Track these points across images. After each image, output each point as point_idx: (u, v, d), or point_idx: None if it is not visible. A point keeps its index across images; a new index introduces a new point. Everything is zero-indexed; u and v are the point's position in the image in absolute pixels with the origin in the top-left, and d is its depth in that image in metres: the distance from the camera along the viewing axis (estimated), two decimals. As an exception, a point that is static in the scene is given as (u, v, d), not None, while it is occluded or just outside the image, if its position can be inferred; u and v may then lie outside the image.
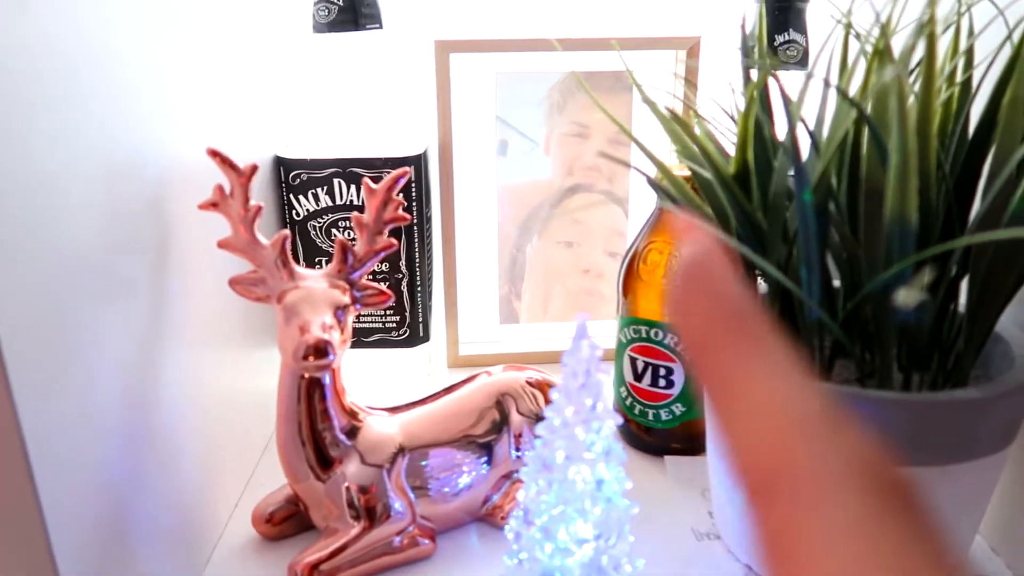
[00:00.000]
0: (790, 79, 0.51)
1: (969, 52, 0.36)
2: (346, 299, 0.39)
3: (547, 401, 0.44)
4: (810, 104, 0.37)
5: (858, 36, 0.37)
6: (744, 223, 0.36)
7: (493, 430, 0.43)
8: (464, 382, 0.45)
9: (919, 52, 0.31)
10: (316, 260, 0.55)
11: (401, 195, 0.41)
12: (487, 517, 0.44)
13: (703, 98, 0.59)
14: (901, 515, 0.13)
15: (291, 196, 0.54)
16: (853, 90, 0.36)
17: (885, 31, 0.32)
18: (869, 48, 0.34)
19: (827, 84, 0.35)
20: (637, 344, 0.49)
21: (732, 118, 0.40)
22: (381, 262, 0.53)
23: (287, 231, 0.39)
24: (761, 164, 0.37)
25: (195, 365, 0.41)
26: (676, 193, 0.39)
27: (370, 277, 0.41)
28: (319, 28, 0.52)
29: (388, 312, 0.56)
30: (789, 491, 0.14)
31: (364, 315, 0.56)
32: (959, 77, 0.36)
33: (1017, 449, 0.36)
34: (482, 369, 0.46)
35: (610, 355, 0.52)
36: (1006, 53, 0.33)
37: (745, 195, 0.36)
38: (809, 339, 0.36)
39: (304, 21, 0.53)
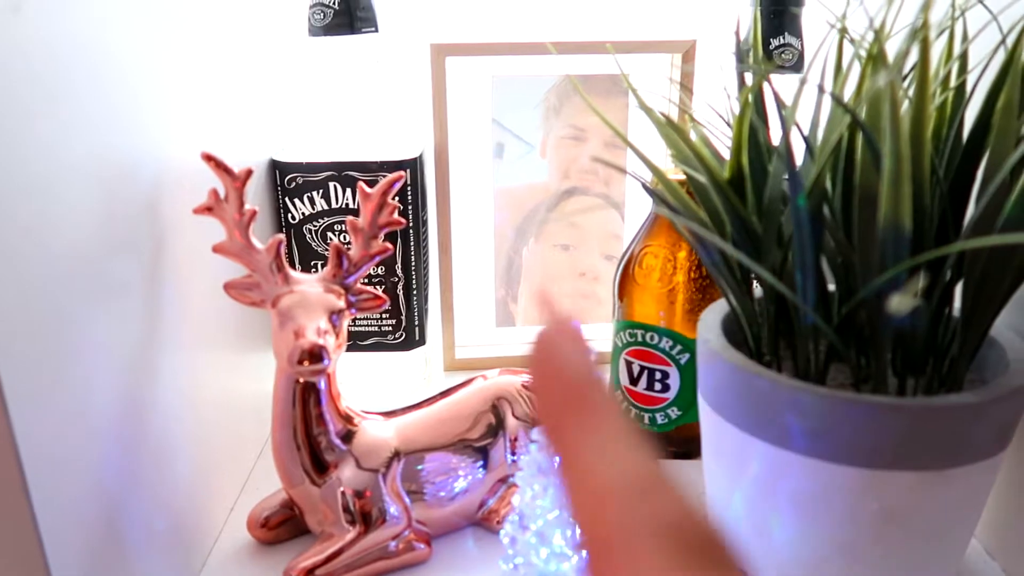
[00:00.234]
0: (785, 83, 0.51)
1: (963, 57, 0.36)
2: (341, 303, 0.39)
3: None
4: (804, 109, 0.37)
5: (852, 41, 0.37)
6: (739, 228, 0.36)
7: (489, 434, 0.43)
8: (460, 386, 0.45)
9: (913, 57, 0.31)
10: (311, 264, 0.55)
11: (397, 199, 0.41)
12: (483, 521, 0.44)
13: (698, 102, 0.59)
14: (713, 570, 0.15)
15: (286, 200, 0.54)
16: (847, 95, 0.36)
17: (879, 36, 0.32)
18: (863, 53, 0.34)
19: (821, 90, 0.35)
20: (633, 348, 0.49)
21: (727, 122, 0.40)
22: (377, 265, 0.54)
23: (282, 235, 0.39)
24: (756, 169, 0.37)
25: (190, 369, 0.41)
26: (671, 198, 0.39)
27: (366, 281, 0.41)
28: (315, 32, 0.52)
29: (384, 316, 0.56)
30: (616, 553, 0.15)
31: (360, 319, 0.56)
32: (953, 82, 0.36)
33: (1012, 453, 0.36)
34: (478, 373, 0.46)
35: (606, 359, 0.52)
36: (1000, 58, 0.33)
37: (740, 200, 0.36)
38: (804, 343, 0.36)
39: (300, 25, 0.53)
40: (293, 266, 0.40)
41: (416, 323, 0.57)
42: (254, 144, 0.52)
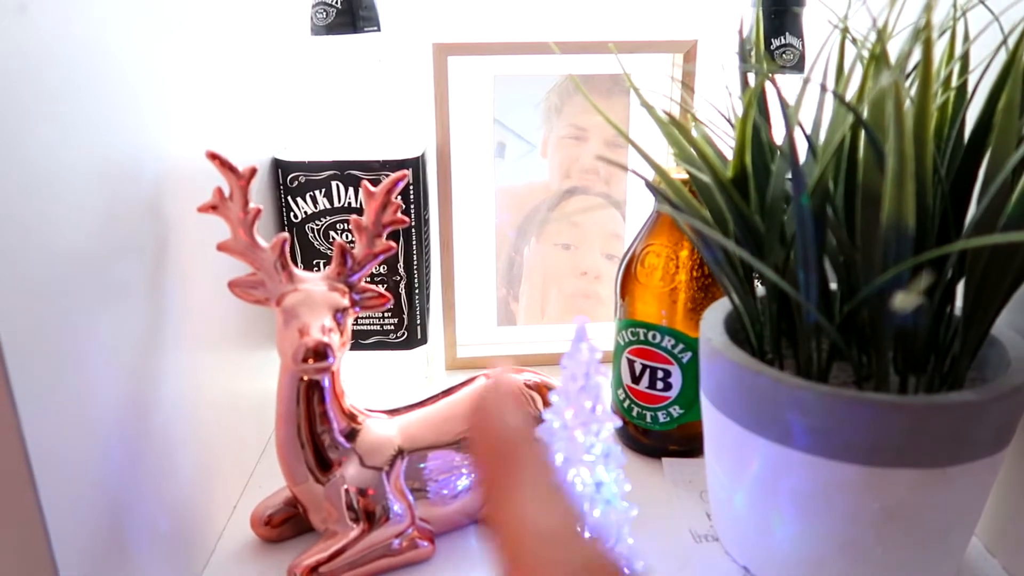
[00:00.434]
0: (786, 83, 0.51)
1: (964, 57, 0.36)
2: (345, 302, 0.39)
3: (545, 404, 0.44)
4: (807, 108, 0.37)
5: (854, 41, 0.37)
6: (742, 226, 0.37)
7: (491, 432, 0.43)
8: (463, 384, 0.46)
9: (915, 57, 0.31)
10: (314, 263, 0.56)
11: (399, 198, 0.41)
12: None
13: (700, 101, 0.60)
14: None
15: (289, 198, 0.54)
16: (850, 95, 0.36)
17: (881, 36, 0.33)
18: (865, 53, 0.35)
19: (823, 89, 0.36)
20: (635, 346, 0.49)
21: (729, 121, 0.41)
22: (379, 264, 0.54)
23: (286, 234, 0.39)
24: (759, 168, 0.37)
25: (194, 367, 0.41)
26: (674, 196, 0.39)
27: (368, 280, 0.41)
28: (317, 31, 0.52)
29: (386, 314, 0.56)
30: None
31: (362, 317, 0.56)
32: (955, 82, 0.36)
33: (1013, 451, 0.36)
34: (480, 372, 0.46)
35: (608, 357, 0.52)
36: (1001, 58, 0.33)
37: (743, 199, 0.37)
38: (806, 342, 0.36)
39: (302, 24, 0.53)
40: (296, 265, 0.40)
41: (418, 322, 0.57)
42: (256, 143, 0.52)
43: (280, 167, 0.53)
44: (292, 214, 0.54)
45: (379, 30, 0.53)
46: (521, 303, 0.66)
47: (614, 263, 0.64)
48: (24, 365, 0.26)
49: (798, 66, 0.52)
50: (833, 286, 0.37)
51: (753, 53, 0.41)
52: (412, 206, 0.54)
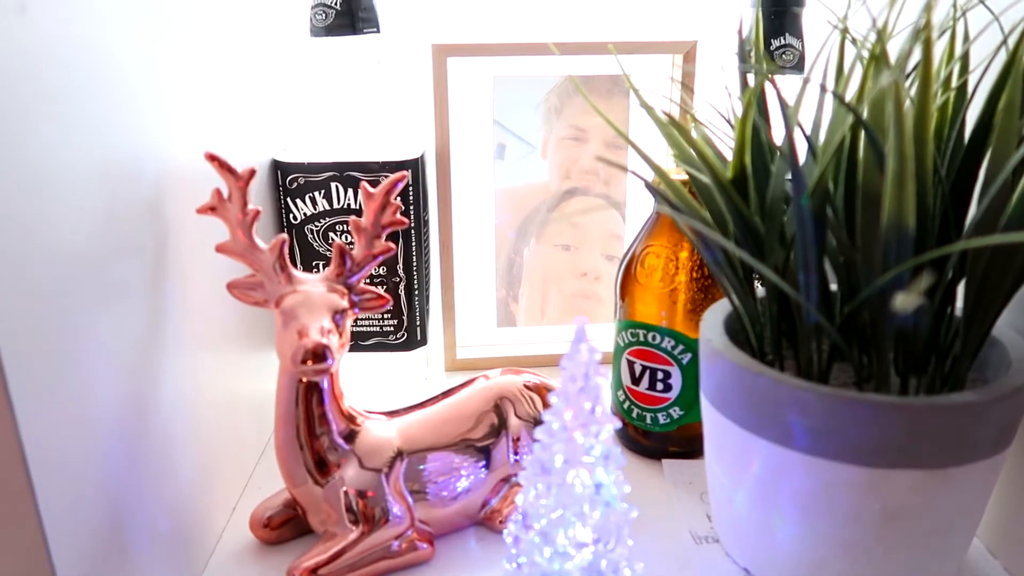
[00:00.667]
0: (786, 84, 0.51)
1: (964, 57, 0.36)
2: (344, 303, 0.39)
3: (545, 405, 0.44)
4: (807, 109, 0.37)
5: (854, 41, 0.37)
6: (742, 227, 0.36)
7: (491, 434, 0.43)
8: (462, 386, 0.45)
9: (915, 57, 0.31)
10: (313, 264, 0.55)
11: (399, 199, 0.41)
12: (485, 521, 0.44)
13: (699, 102, 0.60)
14: None
15: (288, 200, 0.54)
16: (849, 95, 0.36)
17: (881, 36, 0.32)
18: (865, 53, 0.35)
19: (823, 89, 0.36)
20: (635, 348, 0.49)
21: (729, 122, 0.40)
22: (379, 266, 0.54)
23: (285, 235, 0.39)
24: (758, 169, 0.37)
25: (192, 369, 0.41)
26: (673, 197, 0.39)
27: (367, 281, 0.41)
28: (316, 32, 0.52)
29: (385, 316, 0.56)
30: None
31: (361, 319, 0.56)
32: (955, 82, 0.36)
33: (1014, 452, 0.36)
34: (480, 373, 0.46)
35: (607, 359, 0.52)
36: (1001, 58, 0.33)
37: (743, 200, 0.36)
38: (807, 343, 0.36)
39: (301, 25, 0.53)
40: (295, 266, 0.40)
41: (417, 323, 0.57)
42: (256, 144, 0.52)
43: (279, 168, 0.53)
44: (291, 215, 0.54)
45: (378, 31, 0.53)
46: (521, 304, 0.66)
47: (614, 264, 0.64)
48: (22, 365, 0.26)
49: (798, 67, 0.51)
50: (833, 287, 0.37)
51: (753, 54, 0.41)
52: (411, 207, 0.54)
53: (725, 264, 0.38)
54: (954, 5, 0.36)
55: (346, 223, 0.54)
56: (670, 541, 0.44)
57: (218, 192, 0.38)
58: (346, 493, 0.40)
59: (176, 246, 0.38)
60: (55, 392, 0.28)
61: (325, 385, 0.40)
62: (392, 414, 0.44)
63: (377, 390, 0.58)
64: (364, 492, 0.40)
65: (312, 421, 0.40)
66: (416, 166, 0.53)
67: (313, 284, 0.39)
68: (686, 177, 0.43)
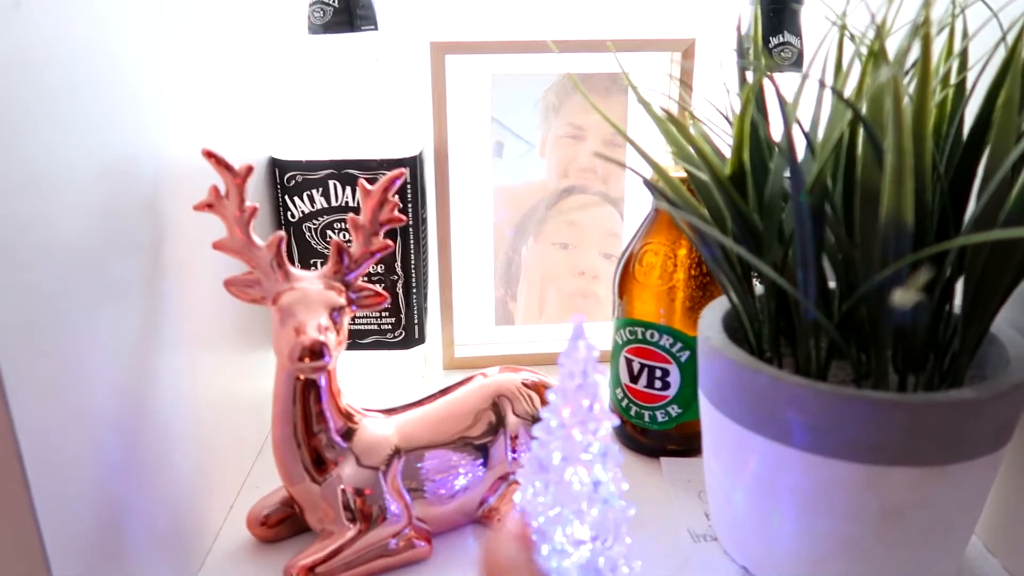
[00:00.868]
0: (785, 81, 0.51)
1: (963, 54, 0.36)
2: (342, 300, 0.39)
3: (543, 403, 0.44)
4: (805, 106, 0.37)
5: (852, 38, 0.37)
6: (740, 224, 0.36)
7: (489, 432, 0.43)
8: (460, 384, 0.45)
9: (913, 54, 0.31)
10: (311, 262, 0.55)
11: (397, 196, 0.41)
12: (483, 519, 0.44)
13: (697, 100, 0.60)
14: None
15: (286, 198, 0.54)
16: (848, 92, 0.36)
17: (881, 32, 0.32)
18: (864, 50, 0.34)
19: (822, 85, 0.35)
20: (633, 345, 0.49)
21: (727, 119, 0.40)
22: (376, 264, 0.53)
23: (283, 232, 0.39)
24: (757, 166, 0.37)
25: (190, 367, 0.41)
26: (672, 194, 0.39)
27: (365, 279, 0.41)
28: (314, 29, 0.52)
29: (383, 314, 0.56)
30: None
31: (359, 317, 0.56)
32: (953, 79, 0.36)
33: (1012, 449, 0.36)
34: (478, 371, 0.46)
35: (606, 357, 0.52)
36: (1000, 55, 0.33)
37: (741, 197, 0.36)
38: (805, 340, 0.36)
39: (300, 22, 0.52)
40: (292, 264, 0.40)
41: (415, 321, 0.57)
42: (253, 142, 0.52)
43: (277, 166, 0.53)
44: (289, 213, 0.54)
45: (376, 29, 0.53)
46: (519, 302, 0.65)
47: (612, 262, 0.64)
48: (19, 362, 0.26)
49: (796, 64, 0.51)
50: (831, 284, 0.37)
51: (751, 51, 0.41)
52: (410, 205, 0.54)
53: (723, 261, 0.38)
54: (952, 2, 0.36)
55: (344, 221, 0.54)
56: (668, 539, 0.44)
57: (215, 189, 0.38)
58: (343, 491, 0.40)
59: (173, 243, 0.38)
60: (52, 389, 0.28)
61: (323, 383, 0.39)
62: (390, 412, 0.44)
63: (375, 388, 0.58)
64: (362, 490, 0.40)
65: (309, 419, 0.39)
66: (414, 164, 0.53)
67: (310, 281, 0.39)
68: (684, 175, 0.43)
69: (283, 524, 0.43)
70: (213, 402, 0.44)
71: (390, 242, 0.41)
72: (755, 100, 0.37)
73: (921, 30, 0.28)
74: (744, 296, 0.38)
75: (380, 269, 0.55)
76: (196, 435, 0.41)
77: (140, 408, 0.35)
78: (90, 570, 0.30)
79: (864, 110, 0.33)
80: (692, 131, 0.39)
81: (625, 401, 0.51)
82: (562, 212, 0.63)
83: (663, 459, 0.51)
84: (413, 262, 0.55)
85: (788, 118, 0.32)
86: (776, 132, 0.37)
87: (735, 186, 0.36)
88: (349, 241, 0.40)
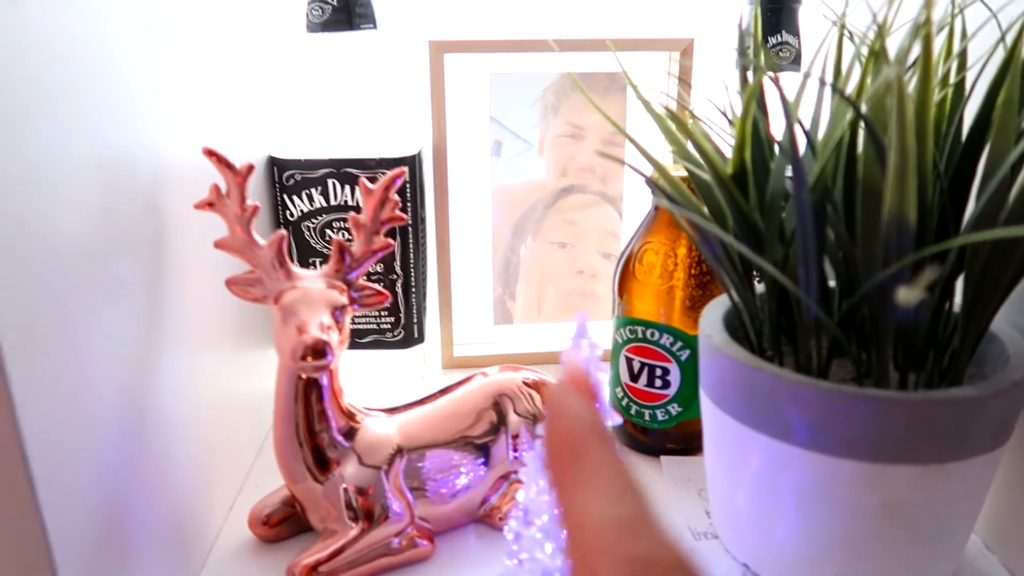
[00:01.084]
0: (784, 80, 0.51)
1: (963, 54, 0.36)
2: (344, 299, 0.39)
3: (544, 401, 0.44)
4: (805, 105, 0.37)
5: (852, 37, 0.37)
6: (741, 223, 0.36)
7: (491, 431, 0.43)
8: (461, 383, 0.45)
9: (914, 53, 0.31)
10: (310, 261, 0.55)
11: (397, 195, 0.41)
12: (485, 518, 0.44)
13: (697, 99, 0.60)
14: None
15: (285, 197, 0.54)
16: (847, 91, 0.36)
17: (882, 32, 0.33)
18: (864, 50, 0.35)
19: (823, 83, 0.36)
20: (633, 344, 0.49)
21: (727, 117, 0.41)
22: (376, 263, 0.53)
23: (284, 231, 0.39)
24: (758, 164, 0.37)
25: (191, 366, 0.40)
26: (672, 193, 0.39)
27: (365, 278, 0.41)
28: (313, 28, 0.51)
29: (383, 313, 0.56)
30: None
31: (359, 316, 0.56)
32: (953, 79, 0.36)
33: (1012, 447, 0.36)
34: (477, 370, 0.46)
35: (606, 356, 0.52)
36: (999, 55, 0.33)
37: (743, 195, 0.36)
38: (806, 339, 0.36)
39: (298, 21, 0.52)
40: (292, 263, 0.40)
41: (415, 321, 0.57)
42: (252, 141, 0.52)
43: (276, 165, 0.53)
44: (288, 212, 0.54)
45: (375, 27, 0.53)
46: (518, 302, 0.66)
47: (611, 261, 0.64)
48: (22, 361, 0.26)
49: (795, 63, 0.52)
50: (831, 283, 0.37)
51: (751, 49, 0.41)
52: (408, 205, 0.54)
53: (725, 259, 0.38)
54: (952, 2, 0.36)
55: (343, 220, 0.54)
56: (669, 537, 0.44)
57: (216, 188, 0.37)
58: (346, 490, 0.40)
59: (174, 242, 0.38)
60: (54, 388, 0.28)
61: (324, 382, 0.39)
62: (392, 411, 0.44)
63: (374, 387, 0.58)
64: (364, 489, 0.40)
65: (311, 418, 0.39)
66: (413, 163, 0.53)
67: (312, 280, 0.39)
68: (684, 174, 0.43)
69: (285, 523, 0.43)
70: (213, 401, 0.44)
71: (391, 241, 0.41)
72: (756, 99, 0.37)
73: (922, 30, 0.28)
74: (745, 294, 0.39)
75: (379, 268, 0.55)
76: (196, 434, 0.41)
77: (141, 407, 0.35)
78: (94, 569, 0.30)
79: (864, 109, 0.33)
80: (692, 130, 0.39)
81: (625, 400, 0.51)
82: (561, 211, 0.63)
83: (663, 458, 0.51)
84: (412, 261, 0.55)
85: (791, 117, 0.32)
86: (776, 131, 0.37)
87: (737, 185, 0.36)
88: (350, 240, 0.40)
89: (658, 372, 0.49)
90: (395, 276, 0.55)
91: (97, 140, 0.32)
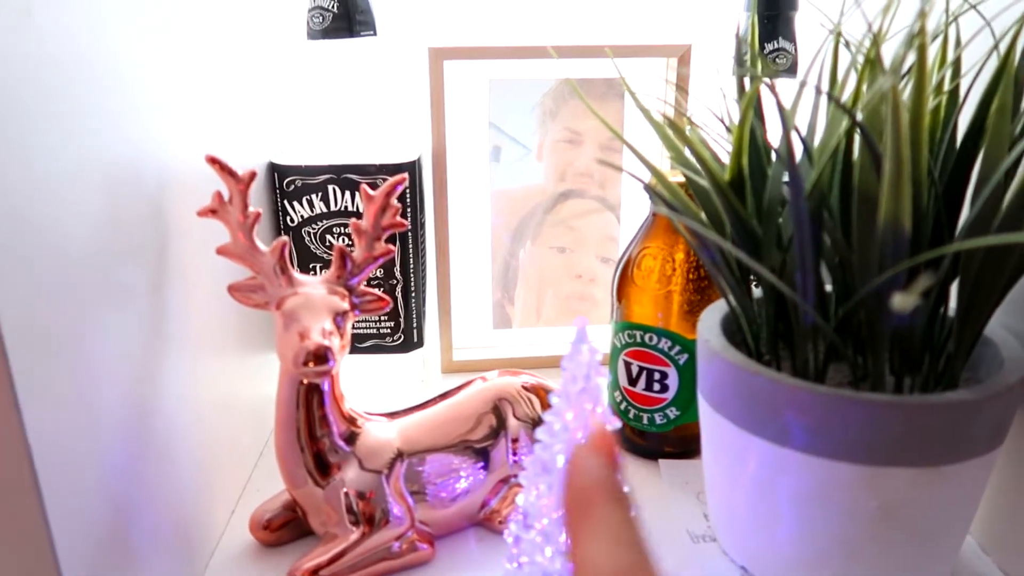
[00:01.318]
0: (782, 87, 0.52)
1: (957, 62, 0.37)
2: (345, 305, 0.39)
3: (544, 406, 0.44)
4: (801, 112, 0.37)
5: (847, 45, 0.38)
6: (739, 229, 0.37)
7: (490, 435, 0.43)
8: (460, 387, 0.46)
9: (908, 62, 0.31)
10: (310, 266, 0.56)
11: (397, 201, 0.41)
12: (485, 522, 0.44)
13: (694, 105, 0.60)
14: None
15: (285, 203, 0.54)
16: (843, 99, 0.37)
17: (877, 40, 0.33)
18: (860, 57, 0.35)
19: (819, 91, 0.36)
20: (631, 349, 0.50)
21: (725, 124, 0.41)
22: (376, 268, 0.54)
23: (286, 238, 0.39)
24: (755, 171, 0.37)
25: (193, 371, 0.41)
26: (671, 198, 0.40)
27: (365, 284, 0.41)
28: (313, 35, 0.52)
29: (383, 318, 0.56)
30: None
31: (358, 321, 0.56)
32: (947, 86, 0.37)
33: (1006, 450, 0.37)
34: (476, 375, 0.47)
35: (604, 360, 0.52)
36: (993, 63, 0.34)
37: (740, 202, 0.37)
38: (803, 343, 0.36)
39: (299, 28, 0.53)
40: (294, 269, 0.40)
41: (414, 325, 0.57)
42: (253, 147, 0.52)
43: (276, 171, 0.54)
44: (288, 218, 0.54)
45: (375, 34, 0.53)
46: (517, 306, 0.66)
47: (609, 266, 0.65)
48: (27, 365, 0.26)
49: (791, 70, 0.52)
50: (828, 288, 0.38)
51: (748, 56, 0.42)
52: (408, 210, 0.54)
53: (723, 265, 0.38)
54: (946, 11, 0.37)
55: (343, 226, 0.54)
56: (668, 540, 0.44)
57: (219, 195, 0.38)
58: (347, 494, 0.40)
59: (177, 248, 0.38)
60: (60, 392, 0.28)
61: (326, 387, 0.40)
62: (392, 416, 0.44)
63: (374, 392, 0.58)
64: (364, 493, 0.40)
65: (313, 423, 0.40)
66: (413, 169, 0.54)
67: (314, 286, 0.39)
68: (682, 180, 0.44)
69: (286, 528, 0.43)
70: (216, 406, 0.44)
71: (392, 247, 0.41)
72: (753, 106, 0.37)
73: (917, 39, 0.29)
74: (743, 299, 0.39)
75: (379, 273, 0.55)
76: (199, 438, 0.41)
77: (144, 411, 0.35)
78: (97, 573, 0.31)
79: (860, 117, 0.33)
80: (690, 137, 0.39)
81: (624, 404, 0.51)
82: (559, 217, 0.64)
83: (661, 461, 0.51)
84: (412, 266, 0.56)
85: (787, 124, 0.33)
86: (773, 137, 0.38)
87: (734, 191, 0.37)
88: (351, 246, 0.41)
89: (656, 376, 0.49)
90: (395, 281, 0.56)
91: (102, 148, 0.32)
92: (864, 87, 0.35)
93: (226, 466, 0.46)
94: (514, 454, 0.44)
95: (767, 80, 0.35)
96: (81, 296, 0.30)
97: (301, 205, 0.54)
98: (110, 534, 0.32)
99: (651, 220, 0.49)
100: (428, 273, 0.61)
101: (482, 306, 0.65)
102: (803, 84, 0.34)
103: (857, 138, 0.34)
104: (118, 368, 0.33)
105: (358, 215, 0.53)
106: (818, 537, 0.36)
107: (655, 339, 0.48)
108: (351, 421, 0.41)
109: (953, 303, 0.36)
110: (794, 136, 0.33)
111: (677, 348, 0.48)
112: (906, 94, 0.32)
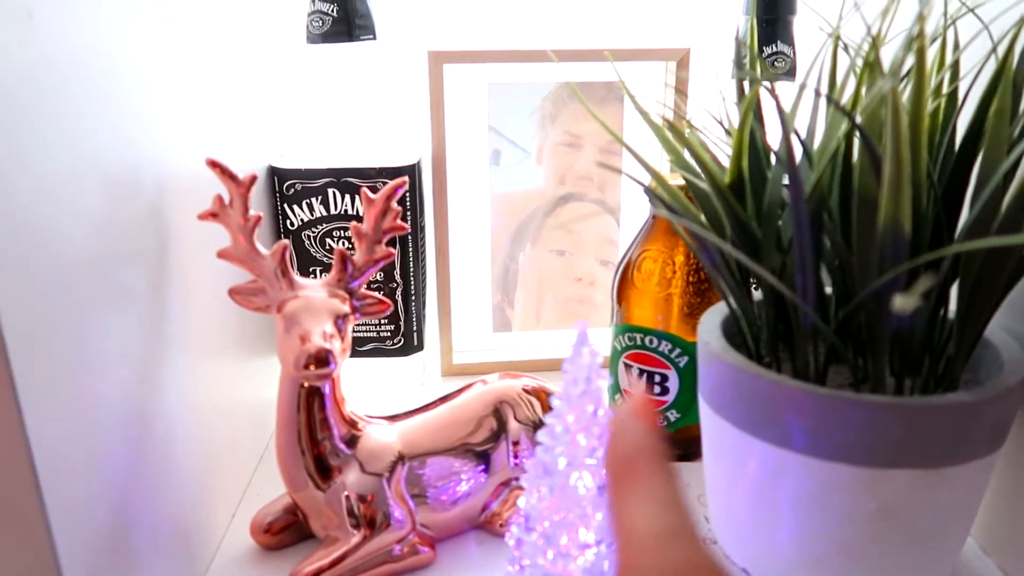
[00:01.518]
0: (781, 90, 0.52)
1: (955, 65, 0.37)
2: (346, 308, 0.39)
3: (544, 408, 0.44)
4: (801, 115, 0.37)
5: (846, 49, 0.38)
6: (739, 232, 0.37)
7: (491, 438, 0.44)
8: (461, 390, 0.46)
9: (907, 65, 0.32)
10: (310, 270, 0.56)
11: (397, 205, 0.41)
12: (486, 524, 0.44)
13: (693, 108, 0.60)
14: None
15: (285, 206, 0.54)
16: (843, 101, 0.37)
17: (876, 43, 0.33)
18: (859, 61, 0.35)
19: (818, 94, 0.36)
20: (632, 351, 0.50)
21: (723, 126, 0.41)
22: (377, 271, 0.54)
23: (287, 241, 0.39)
24: (755, 174, 0.38)
25: (194, 374, 0.41)
26: (671, 201, 0.40)
27: (365, 287, 0.41)
28: (313, 39, 0.52)
29: (383, 321, 0.57)
30: None
31: (359, 324, 0.56)
32: (946, 89, 0.37)
33: (1007, 452, 0.37)
34: (476, 378, 0.47)
35: (605, 363, 0.52)
36: (991, 66, 0.34)
37: (740, 204, 0.37)
38: (803, 345, 0.36)
39: (298, 32, 0.53)
40: (294, 272, 0.40)
41: (414, 328, 0.57)
42: (253, 150, 0.52)
43: (276, 175, 0.54)
44: (288, 221, 0.55)
45: (375, 38, 0.53)
46: (516, 309, 0.66)
47: (609, 269, 0.65)
48: (29, 368, 0.26)
49: (790, 74, 0.52)
50: (828, 290, 0.38)
51: (748, 60, 0.42)
52: (408, 213, 0.54)
53: (723, 267, 0.38)
54: (944, 14, 0.37)
55: (343, 229, 0.54)
56: (669, 543, 0.44)
57: (219, 198, 0.38)
58: (347, 498, 0.40)
59: (178, 252, 0.38)
60: (61, 395, 0.28)
61: (327, 390, 0.40)
62: (393, 419, 0.44)
63: (374, 395, 0.58)
64: (365, 496, 0.40)
65: (314, 426, 0.40)
66: (412, 172, 0.54)
67: (315, 289, 0.39)
68: (682, 183, 0.44)
69: (287, 531, 0.43)
70: (216, 409, 0.44)
71: (392, 250, 0.41)
72: (752, 109, 0.37)
73: (915, 42, 0.29)
74: (743, 301, 0.39)
75: (379, 276, 0.55)
76: (199, 442, 0.41)
77: (145, 414, 0.35)
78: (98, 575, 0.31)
79: (860, 120, 0.34)
80: (690, 139, 0.39)
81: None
82: (559, 220, 0.64)
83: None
84: (412, 269, 0.56)
85: (787, 127, 0.33)
86: (772, 140, 0.38)
87: (734, 194, 0.37)
88: (351, 249, 0.41)
89: (657, 379, 0.49)
90: (395, 284, 0.56)
91: (103, 151, 0.32)
92: (863, 90, 0.35)
93: (227, 469, 0.46)
94: (515, 457, 0.44)
95: (767, 83, 0.35)
96: (81, 298, 0.30)
97: (301, 208, 0.54)
98: (111, 538, 0.32)
99: (651, 223, 0.49)
100: (428, 276, 0.61)
101: (482, 309, 0.66)
102: (803, 87, 0.34)
103: (857, 141, 0.34)
104: (119, 370, 0.33)
105: (358, 218, 0.53)
106: (818, 539, 0.36)
107: (655, 342, 0.49)
108: (352, 424, 0.41)
109: (953, 305, 0.36)
110: (794, 139, 0.33)
111: (677, 351, 0.48)
112: (905, 97, 0.32)
